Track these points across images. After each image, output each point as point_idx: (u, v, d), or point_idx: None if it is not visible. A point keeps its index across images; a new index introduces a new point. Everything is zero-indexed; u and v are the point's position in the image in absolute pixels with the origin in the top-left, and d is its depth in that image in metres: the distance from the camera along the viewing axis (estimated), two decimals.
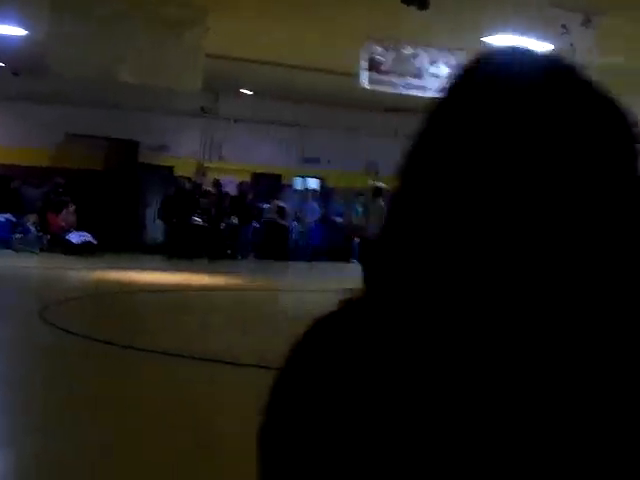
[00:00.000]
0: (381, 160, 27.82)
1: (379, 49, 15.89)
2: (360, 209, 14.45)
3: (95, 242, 21.84)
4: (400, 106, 24.41)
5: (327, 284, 17.79)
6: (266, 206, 24.73)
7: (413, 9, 12.42)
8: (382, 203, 14.22)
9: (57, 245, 21.86)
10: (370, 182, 14.73)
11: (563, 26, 13.89)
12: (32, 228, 21.96)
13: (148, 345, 9.26)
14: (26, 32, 16.65)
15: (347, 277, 19.87)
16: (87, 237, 21.91)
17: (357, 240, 24.34)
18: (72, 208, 22.41)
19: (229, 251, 23.68)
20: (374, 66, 15.87)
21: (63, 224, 22.22)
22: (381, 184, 14.37)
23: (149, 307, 13.91)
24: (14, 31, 16.78)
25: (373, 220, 13.76)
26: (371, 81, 15.97)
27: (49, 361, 8.53)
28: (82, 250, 21.43)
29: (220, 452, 5.73)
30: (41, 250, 21.67)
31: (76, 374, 7.92)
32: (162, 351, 8.93)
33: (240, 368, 8.51)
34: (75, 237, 21.82)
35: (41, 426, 6.16)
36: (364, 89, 16.30)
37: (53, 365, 8.32)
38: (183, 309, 13.43)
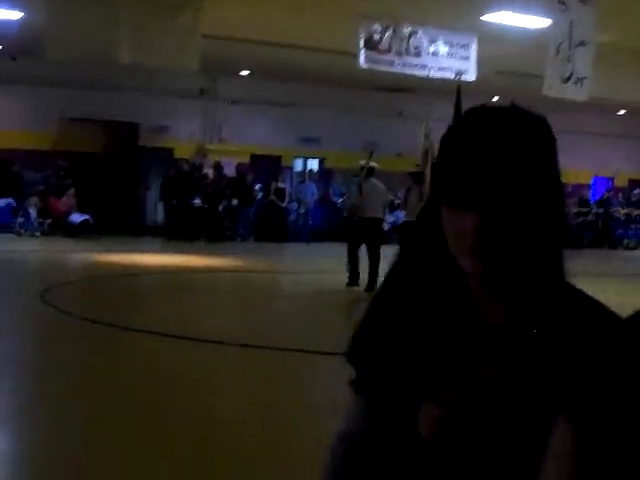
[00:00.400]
0: (381, 140, 27.83)
1: (377, 28, 15.81)
2: (355, 189, 14.52)
3: (93, 221, 21.85)
4: (400, 85, 24.42)
5: (324, 265, 17.82)
6: (258, 187, 24.70)
7: None
8: (375, 182, 14.35)
9: (58, 228, 21.87)
10: (362, 162, 14.90)
11: (562, 2, 13.82)
12: (33, 212, 21.97)
13: (147, 326, 9.26)
14: (22, 14, 16.57)
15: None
16: (86, 216, 21.95)
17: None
18: (72, 191, 22.39)
19: (228, 233, 23.68)
20: (372, 45, 15.80)
21: (64, 208, 22.22)
22: (373, 164, 14.53)
23: (149, 289, 13.91)
24: (10, 14, 16.70)
25: (366, 199, 13.93)
26: (368, 60, 15.90)
27: (49, 343, 8.55)
28: (82, 229, 21.48)
29: (217, 436, 5.72)
30: (42, 233, 21.69)
31: (75, 355, 7.93)
32: (161, 332, 8.93)
33: (238, 349, 8.50)
34: (76, 217, 21.86)
35: (39, 408, 6.15)
36: (363, 68, 16.24)
37: (53, 347, 8.33)
38: (182, 291, 13.43)
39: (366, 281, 13.32)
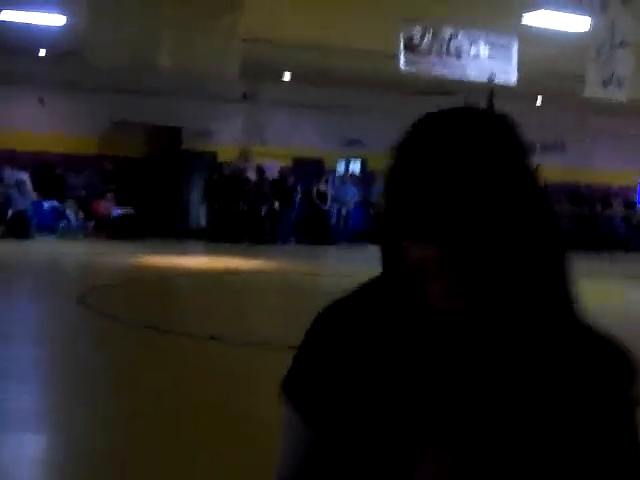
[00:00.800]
0: None
1: (417, 30, 15.79)
2: None
3: (133, 213, 22.09)
4: (443, 87, 24.34)
5: (364, 267, 17.78)
6: (299, 189, 24.74)
7: None
8: None
9: (101, 230, 22.09)
10: None
11: (602, 2, 13.71)
12: (75, 214, 22.20)
13: (188, 328, 9.32)
14: (66, 19, 16.77)
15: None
16: (128, 210, 22.20)
17: None
18: (112, 194, 22.62)
19: (269, 235, 23.78)
20: (412, 47, 15.77)
21: (105, 210, 22.45)
22: None
23: (189, 291, 13.99)
24: (54, 18, 16.91)
25: None
26: (408, 62, 15.88)
27: (87, 345, 8.61)
28: (123, 228, 21.72)
29: (254, 433, 5.75)
30: (85, 236, 21.91)
31: (115, 357, 7.98)
32: (202, 334, 8.98)
33: (278, 350, 8.53)
34: (117, 211, 22.12)
35: (82, 406, 6.22)
36: (405, 70, 16.22)
37: (91, 349, 8.40)
38: (223, 292, 13.50)
39: None
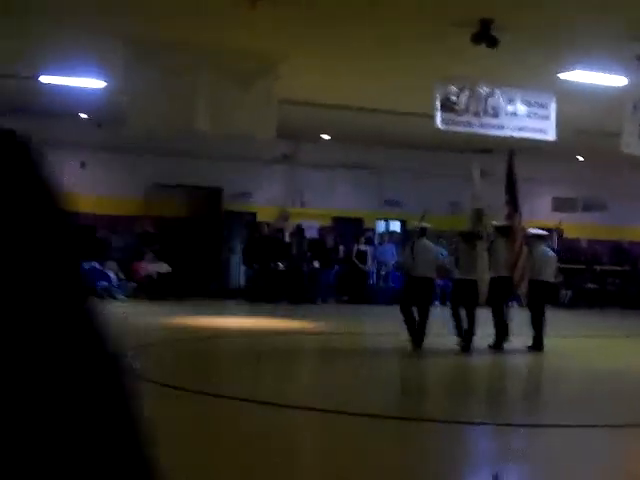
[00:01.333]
0: (464, 200, 27.69)
1: (453, 89, 15.80)
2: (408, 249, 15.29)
3: (170, 270, 22.17)
4: (482, 146, 24.33)
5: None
6: (342, 248, 24.72)
7: (483, 47, 12.37)
8: (426, 242, 14.87)
9: (141, 291, 22.20)
10: (414, 223, 15.81)
11: (638, 58, 13.63)
12: (116, 275, 22.32)
13: (221, 391, 9.24)
14: (106, 84, 17.01)
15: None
16: (164, 267, 22.27)
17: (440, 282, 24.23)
18: (151, 255, 22.75)
19: (309, 295, 23.74)
20: (448, 106, 15.76)
21: (144, 271, 22.58)
22: (426, 224, 15.23)
23: (227, 352, 13.94)
24: (94, 83, 17.15)
25: (418, 259, 14.45)
26: (445, 121, 15.86)
27: None
28: (163, 288, 21.81)
29: None
30: (126, 297, 22.01)
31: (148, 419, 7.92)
32: (234, 396, 8.89)
33: (316, 414, 8.43)
34: (151, 269, 22.22)
35: None
36: (443, 130, 16.22)
37: None
38: (262, 354, 13.41)
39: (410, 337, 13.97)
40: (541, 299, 14.98)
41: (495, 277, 14.77)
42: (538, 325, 14.83)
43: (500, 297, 14.79)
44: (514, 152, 15.71)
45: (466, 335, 14.34)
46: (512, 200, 15.71)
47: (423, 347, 13.94)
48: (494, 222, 15.78)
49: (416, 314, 14.17)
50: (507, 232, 15.12)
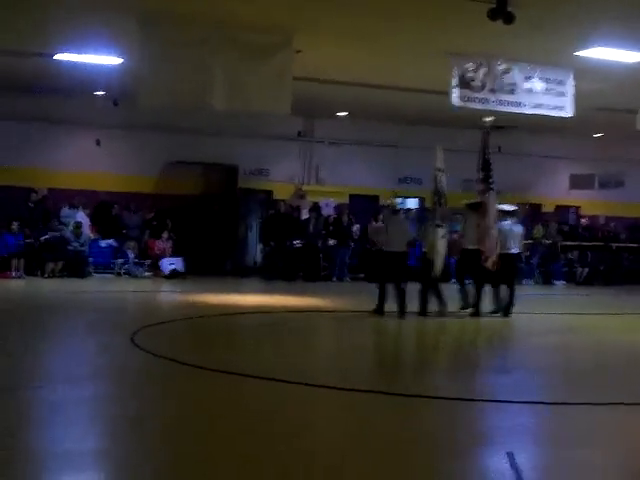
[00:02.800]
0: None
1: (470, 66, 15.72)
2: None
3: (183, 270, 22.12)
4: (499, 123, 24.19)
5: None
6: (356, 227, 24.61)
7: (500, 24, 12.29)
8: (399, 218, 16.11)
9: (157, 269, 22.25)
10: (387, 202, 17.08)
11: None
12: (132, 253, 22.36)
13: (235, 368, 9.23)
14: (122, 60, 16.98)
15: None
16: (176, 264, 22.18)
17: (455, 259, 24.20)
18: (166, 234, 22.73)
19: (325, 272, 23.74)
20: (465, 83, 15.70)
21: (159, 250, 22.58)
22: (397, 205, 16.69)
23: (241, 329, 13.92)
24: (110, 60, 17.13)
25: (390, 235, 15.49)
26: (462, 98, 15.81)
27: (135, 385, 8.58)
28: (171, 277, 21.82)
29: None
30: (141, 275, 22.07)
31: (157, 397, 7.93)
32: (247, 374, 8.90)
33: (328, 391, 8.43)
34: (166, 265, 22.12)
35: (130, 448, 6.18)
36: (459, 106, 16.15)
37: (138, 388, 8.37)
38: (276, 331, 13.43)
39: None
40: (508, 269, 15.87)
41: (466, 249, 15.92)
42: (511, 293, 15.94)
43: (468, 268, 16.02)
44: (488, 132, 16.04)
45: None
46: (485, 178, 15.95)
47: (406, 315, 14.96)
48: (464, 201, 16.69)
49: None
50: (477, 208, 15.78)
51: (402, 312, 14.97)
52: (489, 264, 15.44)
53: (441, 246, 15.51)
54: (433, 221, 15.72)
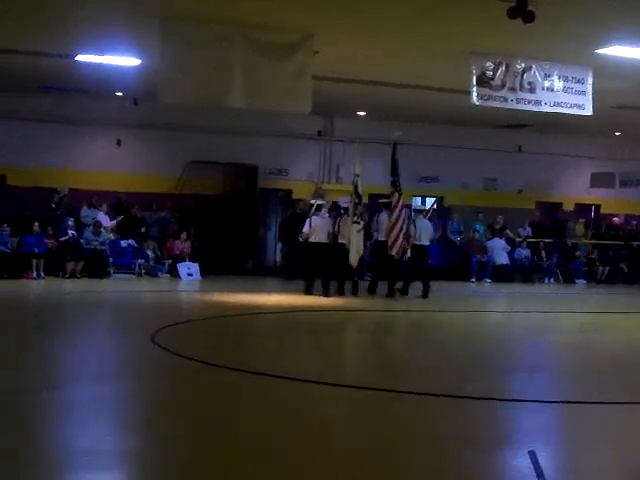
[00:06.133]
0: (501, 177, 27.59)
1: (489, 64, 15.71)
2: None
3: (199, 277, 22.15)
4: (519, 121, 24.18)
5: (440, 305, 17.71)
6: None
7: (520, 22, 12.25)
8: (321, 214, 19.08)
9: (176, 269, 22.29)
10: (312, 200, 20.29)
11: None
12: (152, 253, 22.42)
13: (253, 367, 9.25)
14: (140, 61, 17.05)
15: (462, 297, 19.73)
16: (192, 271, 22.22)
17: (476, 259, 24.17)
18: (184, 235, 22.76)
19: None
20: (484, 82, 15.69)
21: (178, 251, 22.62)
22: (321, 201, 19.76)
23: (260, 329, 13.96)
24: (129, 61, 17.20)
25: (317, 229, 18.70)
26: (481, 97, 15.80)
27: (154, 384, 8.60)
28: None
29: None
30: (162, 274, 22.14)
31: (177, 397, 7.95)
32: (268, 373, 8.91)
33: (343, 389, 8.45)
34: (182, 270, 22.16)
35: (148, 447, 6.21)
36: (478, 105, 16.14)
37: (159, 388, 8.40)
38: (295, 330, 13.46)
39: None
40: (421, 258, 19.16)
41: (379, 240, 18.98)
42: (425, 277, 19.16)
43: (382, 256, 18.82)
44: (396, 143, 19.15)
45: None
46: (395, 182, 18.74)
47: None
48: (380, 200, 20.09)
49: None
50: (389, 206, 18.72)
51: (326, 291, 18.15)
52: (394, 252, 18.35)
53: (357, 239, 18.40)
54: (351, 218, 18.35)
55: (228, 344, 11.72)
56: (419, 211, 20.03)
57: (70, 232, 21.38)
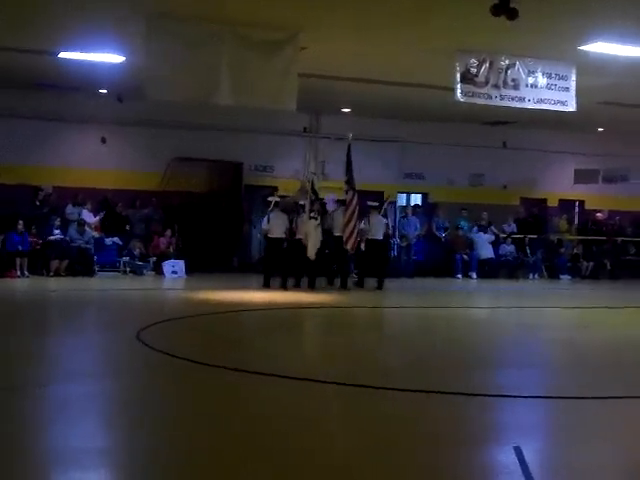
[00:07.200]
0: (486, 172, 27.62)
1: (473, 61, 15.75)
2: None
3: (184, 275, 22.12)
4: (503, 118, 24.24)
5: (429, 301, 17.74)
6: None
7: (503, 20, 12.28)
8: (279, 213, 20.10)
9: (159, 268, 22.23)
10: (270, 198, 20.67)
11: None
12: (137, 250, 22.38)
13: (236, 364, 9.23)
14: (124, 58, 17.02)
15: (447, 293, 19.77)
16: (177, 269, 22.18)
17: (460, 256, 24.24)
18: (169, 232, 22.73)
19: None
20: (468, 78, 15.73)
21: (163, 247, 22.58)
22: (277, 199, 20.55)
23: (244, 327, 13.97)
24: (113, 58, 17.17)
25: (274, 225, 19.85)
26: (465, 94, 15.84)
27: (139, 382, 8.60)
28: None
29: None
30: (147, 271, 22.10)
31: (162, 394, 7.95)
32: (250, 370, 8.91)
33: (329, 386, 8.46)
34: (167, 269, 22.14)
35: (133, 443, 6.21)
36: (463, 102, 16.18)
37: (145, 386, 8.40)
38: (279, 328, 13.46)
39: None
40: (376, 252, 20.37)
41: (336, 236, 19.82)
42: (381, 270, 20.31)
43: (339, 250, 19.76)
44: (350, 144, 20.06)
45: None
46: (349, 180, 19.74)
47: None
48: (337, 197, 21.16)
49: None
50: (344, 203, 19.64)
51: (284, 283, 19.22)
52: (348, 246, 19.40)
53: (314, 234, 19.33)
54: (307, 214, 19.37)
55: (213, 341, 11.71)
56: (374, 208, 20.95)
57: (56, 232, 21.31)
